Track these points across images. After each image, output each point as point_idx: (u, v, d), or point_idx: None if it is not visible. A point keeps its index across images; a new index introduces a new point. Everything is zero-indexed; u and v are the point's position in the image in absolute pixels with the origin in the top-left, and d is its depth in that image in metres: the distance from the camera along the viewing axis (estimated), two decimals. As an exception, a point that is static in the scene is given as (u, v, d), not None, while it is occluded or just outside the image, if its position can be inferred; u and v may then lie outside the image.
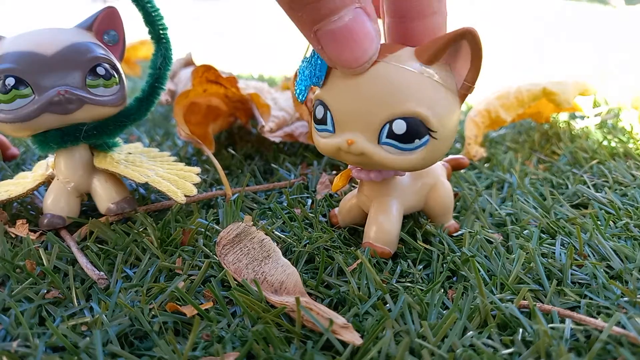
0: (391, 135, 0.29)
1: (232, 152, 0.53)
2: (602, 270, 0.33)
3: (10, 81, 0.34)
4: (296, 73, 0.34)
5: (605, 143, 0.56)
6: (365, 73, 0.29)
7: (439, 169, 0.39)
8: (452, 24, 0.30)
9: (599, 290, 0.31)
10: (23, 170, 0.48)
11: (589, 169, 0.50)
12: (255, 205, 0.43)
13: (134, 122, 0.40)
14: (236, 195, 0.43)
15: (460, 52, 0.29)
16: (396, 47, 0.29)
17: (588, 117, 0.63)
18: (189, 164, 0.45)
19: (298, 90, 0.33)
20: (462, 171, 0.49)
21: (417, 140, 0.29)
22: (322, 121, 0.31)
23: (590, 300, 0.30)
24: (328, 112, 0.31)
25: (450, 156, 0.42)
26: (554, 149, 0.55)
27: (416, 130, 0.29)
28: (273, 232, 0.37)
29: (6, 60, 0.35)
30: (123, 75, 0.39)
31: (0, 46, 0.36)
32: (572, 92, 0.56)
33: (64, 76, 0.35)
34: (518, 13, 2.20)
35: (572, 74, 0.82)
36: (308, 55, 0.32)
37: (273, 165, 0.51)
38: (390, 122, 0.29)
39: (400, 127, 0.29)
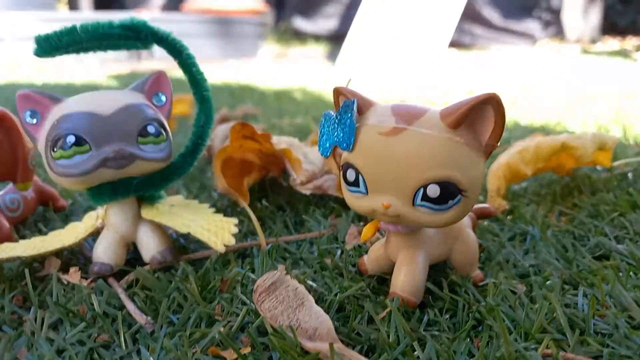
0: (426, 198, 0.31)
1: (266, 204, 0.56)
2: (623, 320, 0.34)
3: (71, 139, 0.38)
4: (319, 127, 0.36)
5: (625, 196, 0.57)
6: (396, 139, 0.31)
7: (465, 219, 0.41)
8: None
9: (620, 340, 0.32)
10: (71, 221, 0.52)
11: (610, 221, 0.51)
12: (287, 255, 0.46)
13: (179, 176, 0.44)
14: (270, 245, 0.45)
15: (484, 115, 0.31)
16: (422, 111, 0.32)
17: (608, 169, 0.64)
18: (225, 215, 0.48)
19: (322, 148, 0.35)
20: (485, 223, 0.51)
21: (450, 201, 0.32)
22: (354, 184, 0.33)
23: (612, 350, 0.31)
24: (360, 175, 0.33)
25: (476, 206, 0.44)
26: (575, 201, 0.57)
27: (449, 192, 0.31)
28: (305, 281, 0.40)
29: (68, 120, 0.39)
30: (170, 133, 0.42)
31: (62, 107, 0.40)
32: (591, 146, 0.58)
33: (119, 134, 0.39)
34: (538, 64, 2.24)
35: (592, 130, 0.84)
36: (335, 113, 0.35)
37: (304, 216, 0.54)
38: (424, 186, 0.31)
39: (434, 191, 0.31)
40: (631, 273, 0.40)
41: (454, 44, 2.93)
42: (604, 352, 0.31)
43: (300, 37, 3.98)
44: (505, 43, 3.45)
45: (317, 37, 3.91)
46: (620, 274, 0.41)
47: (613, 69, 2.00)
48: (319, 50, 3.57)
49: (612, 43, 3.60)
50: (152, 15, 3.03)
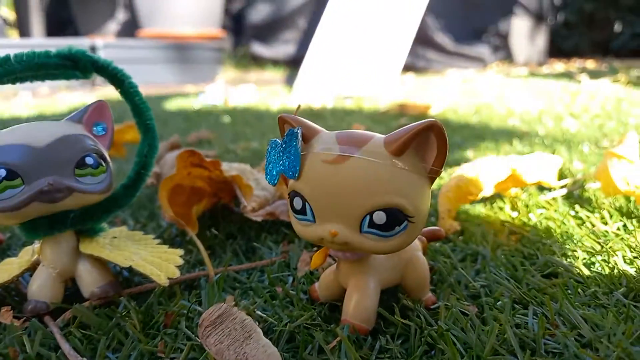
0: (372, 225, 0.31)
1: (215, 232, 0.55)
2: (572, 339, 0.34)
3: (2, 173, 0.36)
4: (266, 155, 0.35)
5: (572, 213, 0.59)
6: (341, 167, 0.31)
7: (415, 243, 0.41)
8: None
9: (571, 359, 0.32)
10: (8, 256, 0.49)
11: (558, 239, 0.52)
12: (237, 284, 0.44)
13: (119, 207, 0.42)
14: (218, 275, 0.44)
15: (427, 142, 0.31)
16: (366, 139, 0.32)
17: (554, 189, 0.66)
18: (173, 245, 0.46)
19: (269, 176, 0.34)
20: (437, 245, 0.51)
21: (397, 227, 0.31)
22: (301, 212, 0.33)
23: (562, 370, 0.31)
24: (307, 203, 0.32)
25: (426, 229, 0.44)
26: (524, 220, 0.58)
27: (396, 219, 0.31)
28: (255, 312, 0.38)
29: None
30: (110, 164, 0.41)
31: (-7, 139, 0.38)
32: (537, 167, 0.60)
33: (54, 166, 0.37)
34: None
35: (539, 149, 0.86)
36: (281, 141, 0.34)
37: (255, 244, 0.52)
38: (371, 213, 0.31)
39: (380, 217, 0.31)
40: (579, 290, 0.41)
41: (409, 67, 3.00)
42: (554, 372, 0.31)
43: (258, 62, 4.00)
44: (458, 67, 3.56)
45: (275, 62, 3.93)
46: (569, 291, 0.41)
47: (559, 90, 2.09)
48: (277, 74, 3.59)
49: (558, 66, 3.77)
50: (106, 41, 2.98)
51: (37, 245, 0.43)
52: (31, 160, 0.37)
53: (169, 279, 0.40)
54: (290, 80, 2.85)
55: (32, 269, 0.42)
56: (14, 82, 0.41)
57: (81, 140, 0.39)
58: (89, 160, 0.39)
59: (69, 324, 0.38)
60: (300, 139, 0.33)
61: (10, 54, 0.40)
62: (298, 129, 0.33)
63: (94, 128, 0.42)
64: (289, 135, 0.33)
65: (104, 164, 0.40)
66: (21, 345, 0.35)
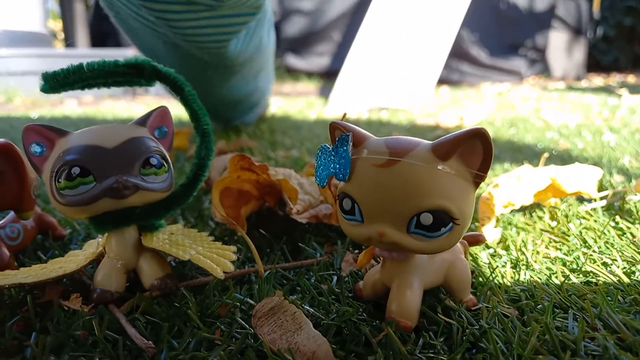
0: (419, 226, 0.33)
1: (262, 232, 0.58)
2: (612, 342, 0.35)
3: (76, 170, 0.39)
4: (316, 159, 0.37)
5: (612, 224, 0.59)
6: (390, 171, 0.33)
7: (457, 246, 0.42)
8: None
9: (610, 361, 0.33)
10: (70, 249, 0.53)
11: (598, 248, 0.53)
12: (285, 281, 0.47)
13: (179, 205, 0.45)
14: (268, 272, 0.46)
15: (473, 148, 0.33)
16: (414, 144, 0.34)
17: (594, 200, 0.66)
18: (223, 243, 0.49)
19: (319, 179, 0.37)
20: (477, 250, 0.52)
21: (442, 229, 0.33)
22: (350, 212, 0.35)
23: (602, 370, 0.32)
24: (356, 204, 0.35)
25: (467, 233, 0.46)
26: (563, 229, 0.58)
27: (442, 221, 0.33)
28: (303, 306, 0.40)
29: (73, 152, 0.40)
30: (171, 165, 0.44)
31: (68, 140, 0.41)
32: (577, 177, 0.60)
33: (122, 166, 0.40)
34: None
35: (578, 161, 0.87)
36: (332, 145, 0.37)
37: (300, 244, 0.55)
38: (418, 215, 0.33)
39: (427, 219, 0.33)
40: (619, 297, 0.42)
41: (443, 81, 3.00)
42: (594, 371, 0.32)
43: (292, 74, 4.06)
44: (493, 80, 3.54)
45: (309, 74, 3.98)
46: (609, 297, 0.42)
47: (597, 104, 2.06)
48: (310, 86, 3.64)
49: (597, 80, 3.71)
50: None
51: (101, 239, 0.46)
52: (102, 159, 0.40)
53: (224, 272, 0.42)
54: (324, 92, 2.89)
55: (96, 260, 0.45)
56: (84, 88, 0.45)
57: (146, 143, 0.42)
58: (153, 161, 0.42)
59: (132, 311, 0.41)
60: (351, 144, 0.35)
61: (83, 63, 0.43)
62: (349, 135, 0.35)
63: (156, 131, 0.45)
64: (341, 140, 0.35)
65: (165, 164, 0.43)
66: (90, 329, 0.38)
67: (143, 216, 0.43)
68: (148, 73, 0.45)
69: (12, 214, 0.53)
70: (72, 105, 2.48)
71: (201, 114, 0.47)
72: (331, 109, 2.08)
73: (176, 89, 0.46)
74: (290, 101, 2.53)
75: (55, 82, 0.43)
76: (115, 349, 0.36)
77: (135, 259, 0.44)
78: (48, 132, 0.41)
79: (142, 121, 0.45)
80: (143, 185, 0.41)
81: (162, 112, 0.45)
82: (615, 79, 3.76)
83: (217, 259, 0.44)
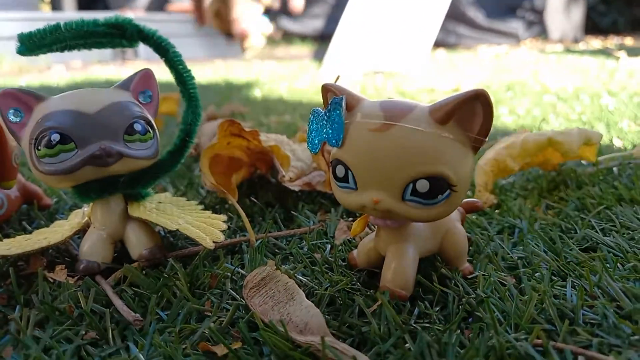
0: (415, 193, 0.32)
1: (254, 200, 0.56)
2: (612, 310, 0.34)
3: (56, 137, 0.37)
4: (308, 124, 0.36)
5: (611, 189, 0.58)
6: (385, 135, 0.31)
7: (454, 213, 0.41)
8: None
9: (609, 329, 0.32)
10: (56, 219, 0.51)
11: (597, 214, 0.52)
12: (277, 250, 0.45)
13: (166, 173, 0.44)
14: (259, 241, 0.45)
15: (472, 111, 0.31)
16: (410, 107, 0.32)
17: (594, 164, 0.65)
18: (213, 212, 0.47)
19: (311, 145, 0.35)
20: (473, 217, 0.51)
21: (439, 196, 0.32)
22: (343, 179, 0.34)
23: (601, 339, 0.31)
24: (349, 171, 0.33)
25: (465, 200, 0.44)
26: (561, 195, 0.57)
27: (439, 187, 0.31)
28: (295, 276, 0.39)
29: (52, 118, 0.38)
30: (157, 131, 0.42)
31: (46, 105, 0.39)
32: (577, 141, 0.59)
33: (105, 132, 0.39)
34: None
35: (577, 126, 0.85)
36: (323, 110, 0.35)
37: (293, 212, 0.53)
38: (414, 181, 0.31)
39: (423, 186, 0.31)
40: (618, 264, 0.41)
41: (439, 43, 2.95)
42: (594, 341, 0.31)
43: (286, 37, 3.98)
44: (489, 42, 3.48)
45: (303, 37, 3.91)
46: (608, 265, 0.41)
47: (596, 67, 2.03)
48: (304, 50, 3.57)
49: (595, 42, 3.65)
50: (136, 15, 3.01)
51: (86, 208, 0.45)
52: (83, 125, 0.38)
53: (214, 242, 0.41)
54: (318, 55, 2.83)
55: (82, 231, 0.44)
56: (62, 50, 0.42)
57: (130, 108, 0.40)
58: (138, 127, 0.40)
59: (119, 283, 0.40)
60: (344, 108, 0.33)
61: (61, 23, 0.41)
62: (342, 98, 0.33)
63: (141, 95, 0.43)
64: (333, 104, 0.34)
65: (151, 130, 0.41)
66: (76, 301, 0.37)
67: (128, 185, 0.41)
68: (130, 33, 0.43)
69: (-6, 183, 0.51)
70: (60, 70, 2.42)
71: (187, 77, 0.45)
72: (325, 73, 2.04)
73: (160, 51, 0.44)
74: (284, 65, 2.48)
75: (31, 44, 0.40)
76: (102, 321, 0.35)
77: (121, 228, 0.43)
78: (25, 97, 0.39)
79: (125, 85, 0.42)
80: (127, 152, 0.39)
81: (146, 74, 0.43)
82: (613, 41, 3.71)
83: (206, 228, 0.43)
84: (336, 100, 0.33)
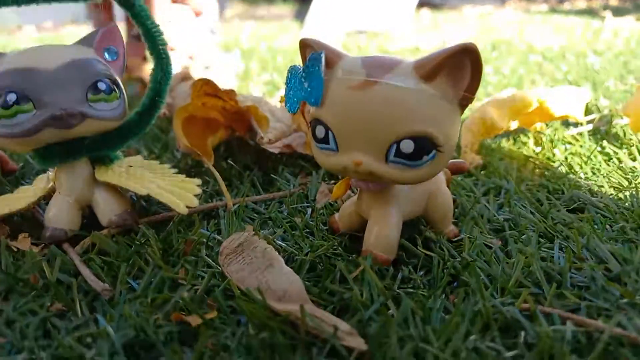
0: (399, 154, 0.30)
1: (231, 163, 0.54)
2: (600, 272, 0.33)
3: (12, 97, 0.35)
4: (286, 82, 0.33)
5: (599, 149, 0.57)
6: (367, 93, 0.29)
7: (439, 175, 0.39)
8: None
9: (598, 292, 0.31)
10: (22, 185, 0.48)
11: (584, 175, 0.50)
12: (255, 215, 0.44)
13: (135, 135, 0.41)
14: (237, 205, 0.43)
15: (460, 66, 0.29)
16: (394, 63, 0.30)
17: (581, 124, 0.63)
18: (188, 175, 0.45)
19: (289, 104, 0.33)
20: (459, 178, 0.49)
21: (424, 157, 0.30)
22: (323, 140, 0.32)
23: (590, 303, 0.31)
24: (330, 132, 0.31)
25: (450, 161, 0.43)
26: (548, 155, 0.56)
27: (424, 148, 0.30)
28: (275, 242, 0.38)
29: (7, 76, 0.35)
30: (123, 90, 0.39)
31: (1, 63, 0.36)
32: (563, 100, 0.57)
33: (66, 91, 0.36)
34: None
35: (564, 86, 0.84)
36: (302, 67, 0.32)
37: (272, 175, 0.51)
38: (398, 142, 0.29)
39: (408, 146, 0.29)
40: (607, 225, 0.40)
41: (424, 3, 2.89)
42: (582, 305, 0.30)
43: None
44: (474, 3, 3.42)
45: (284, -3, 3.80)
46: (596, 226, 0.40)
47: (581, 27, 2.01)
48: (286, 9, 3.48)
49: (580, 2, 3.61)
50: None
51: (51, 173, 0.42)
52: (41, 84, 0.35)
53: (187, 207, 0.39)
54: (299, 15, 2.76)
55: (47, 196, 0.41)
56: (28, 3, 0.39)
57: (93, 65, 0.37)
58: (102, 86, 0.37)
59: (87, 251, 0.38)
60: (324, 64, 0.31)
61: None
62: (321, 53, 0.31)
63: (105, 52, 0.40)
64: (312, 60, 0.31)
65: (117, 90, 0.38)
66: (41, 272, 0.35)
67: (93, 147, 0.39)
68: (91, -16, 0.39)
69: (-47, 147, 0.48)
70: (30, 31, 2.32)
71: (155, 33, 0.42)
72: (307, 33, 1.98)
73: (126, 4, 0.41)
74: (264, 25, 2.42)
75: None
76: (69, 292, 0.33)
77: (89, 194, 0.40)
78: (-22, 54, 0.36)
79: (88, 41, 0.39)
80: (91, 113, 0.36)
81: (110, 29, 0.40)
82: (598, 1, 3.67)
83: (180, 192, 0.40)
84: (315, 56, 0.31)
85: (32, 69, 0.35)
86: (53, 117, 0.35)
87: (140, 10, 0.41)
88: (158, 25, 0.42)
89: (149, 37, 0.42)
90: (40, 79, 0.35)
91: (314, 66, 0.31)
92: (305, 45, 0.33)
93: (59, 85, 0.36)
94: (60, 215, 0.39)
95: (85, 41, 0.39)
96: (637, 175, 0.49)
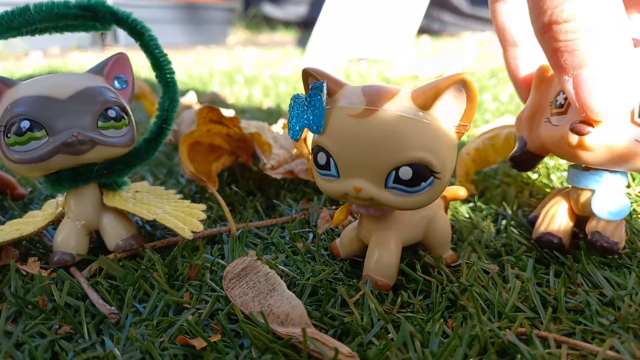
0: (398, 180, 0.31)
1: (235, 189, 0.55)
2: (595, 297, 0.34)
3: (25, 124, 0.36)
4: (289, 110, 0.35)
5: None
6: (367, 121, 0.30)
7: (437, 201, 0.40)
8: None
9: (592, 317, 0.32)
10: (31, 210, 0.50)
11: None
12: (258, 240, 0.45)
13: (142, 161, 0.42)
14: (240, 231, 0.44)
15: (456, 96, 0.30)
16: (392, 92, 0.31)
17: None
18: (193, 201, 0.46)
19: (292, 131, 0.34)
20: (457, 204, 0.50)
21: (422, 183, 0.31)
22: (325, 167, 0.33)
23: (584, 327, 0.31)
24: (331, 158, 0.32)
25: (448, 187, 0.44)
26: (545, 181, 0.57)
27: (422, 175, 0.31)
28: (277, 266, 0.39)
29: (22, 104, 0.36)
30: (132, 117, 0.41)
31: (16, 91, 0.37)
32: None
33: (77, 119, 0.37)
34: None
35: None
36: (304, 96, 0.34)
37: (275, 201, 0.52)
38: (397, 168, 0.31)
39: (406, 173, 0.31)
40: (601, 251, 0.41)
41: (423, 30, 2.94)
42: (577, 329, 0.31)
43: (269, 23, 3.94)
44: (473, 30, 3.48)
45: (286, 24, 3.87)
46: (590, 252, 0.41)
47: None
48: (288, 36, 3.54)
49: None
50: (115, 1, 2.94)
51: (60, 198, 0.43)
52: (54, 112, 0.36)
53: (192, 232, 0.40)
54: (301, 42, 2.81)
55: (56, 221, 0.43)
56: (33, 34, 0.41)
57: (103, 93, 0.39)
58: (112, 113, 0.38)
59: (95, 275, 0.39)
60: (326, 93, 0.32)
61: (30, 4, 0.39)
62: (323, 82, 0.32)
63: (115, 81, 0.42)
64: (314, 89, 0.33)
65: (126, 117, 0.39)
66: (50, 295, 0.36)
67: (102, 173, 0.40)
68: (103, 16, 0.41)
69: (-36, 172, 0.49)
70: (37, 57, 2.36)
71: (164, 62, 0.43)
72: (308, 60, 2.02)
73: (135, 34, 0.43)
74: (266, 51, 2.46)
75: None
76: (76, 315, 0.34)
77: (97, 219, 0.41)
78: (-7, 82, 0.37)
79: (99, 69, 0.41)
80: (101, 139, 0.38)
81: (120, 58, 0.42)
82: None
83: (185, 218, 0.41)
84: (317, 85, 0.32)
85: (46, 97, 0.37)
86: (65, 143, 0.36)
87: (150, 40, 0.43)
88: (166, 55, 0.44)
89: (158, 65, 0.43)
90: (53, 107, 0.37)
91: (316, 95, 0.32)
92: (308, 74, 0.34)
93: (71, 113, 0.37)
94: (68, 240, 0.40)
95: (96, 69, 0.41)
96: (632, 203, 0.50)
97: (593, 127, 0.34)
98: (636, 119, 0.33)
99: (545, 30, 0.29)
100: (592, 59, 0.29)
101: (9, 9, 0.39)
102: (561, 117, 0.37)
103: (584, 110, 0.32)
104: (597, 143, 0.35)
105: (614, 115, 0.32)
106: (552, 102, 0.39)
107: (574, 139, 0.35)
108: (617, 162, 0.36)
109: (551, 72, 0.40)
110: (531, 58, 0.44)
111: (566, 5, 0.28)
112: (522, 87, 0.45)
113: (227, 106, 1.06)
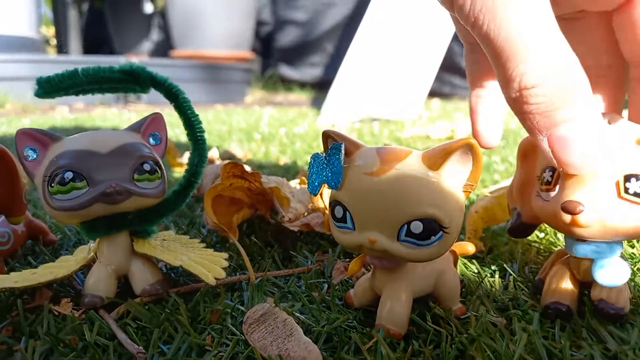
0: (409, 234, 0.34)
1: (254, 240, 0.58)
2: (599, 351, 0.36)
3: (69, 175, 0.39)
4: (309, 167, 0.38)
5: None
6: (380, 179, 0.33)
7: (447, 256, 0.43)
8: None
9: (596, 370, 0.34)
10: (60, 255, 0.52)
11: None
12: (276, 289, 0.47)
13: (171, 211, 0.45)
14: (259, 279, 0.47)
15: (463, 158, 0.34)
16: (405, 153, 0.34)
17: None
18: (214, 250, 0.49)
19: (311, 187, 0.37)
20: (466, 260, 0.53)
21: (432, 237, 0.34)
22: (341, 220, 0.36)
23: (588, 378, 0.33)
24: (347, 212, 0.35)
25: (457, 243, 0.46)
26: (552, 240, 0.59)
27: (431, 229, 0.34)
28: (294, 314, 0.41)
29: (66, 157, 0.40)
30: (164, 171, 0.44)
31: (62, 145, 0.41)
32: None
33: (116, 171, 0.41)
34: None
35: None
36: (325, 154, 0.37)
37: (291, 252, 0.55)
38: (408, 223, 0.33)
39: (417, 227, 0.33)
40: (605, 307, 0.42)
41: (434, 93, 3.03)
42: (580, 380, 0.33)
43: (285, 84, 4.08)
44: (483, 93, 3.57)
45: (302, 84, 4.01)
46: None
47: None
48: (303, 96, 3.66)
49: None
50: (140, 59, 3.09)
51: (92, 244, 0.46)
52: (96, 164, 0.40)
53: (215, 279, 0.42)
54: (316, 102, 2.90)
55: (87, 265, 0.45)
56: (78, 94, 0.45)
57: (140, 149, 0.42)
58: (147, 167, 0.42)
59: (122, 317, 0.41)
60: (344, 153, 0.36)
61: (78, 68, 0.44)
62: (342, 143, 0.36)
63: (150, 138, 0.45)
64: (333, 149, 0.36)
65: (159, 170, 0.43)
66: (81, 334, 0.38)
67: (135, 222, 0.43)
68: (143, 80, 0.45)
69: (2, 218, 0.53)
70: (63, 111, 2.47)
71: (195, 122, 0.47)
72: (323, 119, 2.09)
73: (170, 96, 0.47)
74: (282, 111, 2.54)
75: (49, 87, 0.43)
76: (105, 354, 0.36)
77: (126, 264, 0.44)
78: (42, 136, 0.42)
79: (136, 127, 0.45)
80: (136, 190, 0.41)
81: (156, 118, 0.46)
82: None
83: (208, 265, 0.44)
84: (336, 146, 0.36)
85: (88, 151, 0.40)
86: (104, 193, 0.40)
87: (184, 102, 0.47)
88: (198, 115, 0.48)
89: (189, 125, 0.47)
90: (94, 161, 0.40)
91: (335, 154, 0.36)
92: (328, 136, 0.38)
93: (110, 166, 0.40)
94: (99, 284, 0.43)
95: (134, 127, 0.45)
96: (636, 262, 0.52)
97: (583, 205, 0.35)
98: (623, 194, 0.35)
99: (516, 97, 0.32)
100: (563, 117, 0.31)
101: (59, 71, 0.43)
102: (550, 193, 0.38)
103: (561, 166, 0.34)
104: (590, 220, 0.35)
105: (591, 168, 0.34)
106: (539, 177, 0.40)
107: (567, 217, 0.36)
108: (612, 235, 0.37)
109: (533, 145, 0.41)
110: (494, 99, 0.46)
111: (532, 72, 0.30)
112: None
113: (242, 162, 1.11)
